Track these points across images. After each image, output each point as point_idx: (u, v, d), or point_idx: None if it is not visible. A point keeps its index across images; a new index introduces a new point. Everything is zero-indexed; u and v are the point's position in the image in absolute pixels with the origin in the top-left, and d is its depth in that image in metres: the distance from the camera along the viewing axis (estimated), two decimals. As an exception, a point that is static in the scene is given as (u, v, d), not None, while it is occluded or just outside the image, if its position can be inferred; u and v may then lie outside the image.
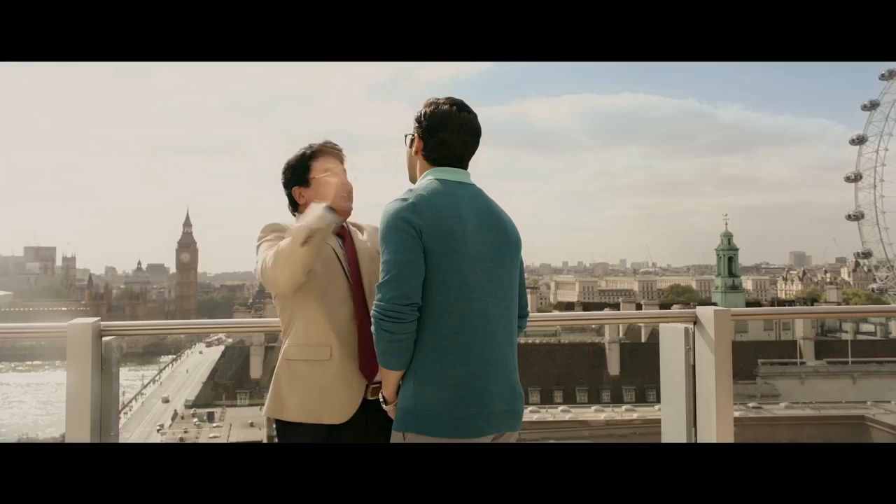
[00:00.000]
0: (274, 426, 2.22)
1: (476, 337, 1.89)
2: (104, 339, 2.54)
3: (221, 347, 57.60)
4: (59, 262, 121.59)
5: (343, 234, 2.26)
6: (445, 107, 2.03)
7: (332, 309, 2.15)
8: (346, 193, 2.22)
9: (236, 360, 50.67)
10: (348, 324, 2.16)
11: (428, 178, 2.00)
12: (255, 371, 47.58)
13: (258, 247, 2.18)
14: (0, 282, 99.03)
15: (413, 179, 2.10)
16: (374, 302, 1.88)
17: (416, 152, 2.05)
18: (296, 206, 2.30)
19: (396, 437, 1.91)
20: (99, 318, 2.61)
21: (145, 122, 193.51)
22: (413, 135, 2.06)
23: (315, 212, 2.06)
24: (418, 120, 2.04)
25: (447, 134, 2.01)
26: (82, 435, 2.45)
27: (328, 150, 2.31)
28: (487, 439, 1.89)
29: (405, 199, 1.91)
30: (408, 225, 1.86)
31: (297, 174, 2.27)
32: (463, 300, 1.88)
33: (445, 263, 1.87)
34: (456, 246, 1.88)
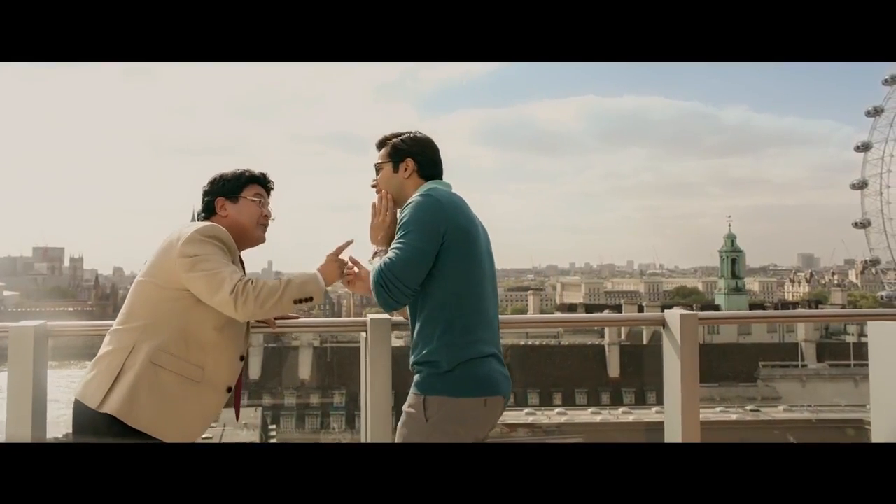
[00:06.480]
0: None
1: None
2: (50, 340, 2.61)
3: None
4: (66, 263, 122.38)
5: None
6: (419, 134, 2.31)
7: (227, 338, 2.18)
8: (265, 223, 2.35)
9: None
10: (233, 360, 2.22)
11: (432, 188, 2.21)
12: (254, 371, 47.74)
13: (203, 251, 2.09)
14: (8, 282, 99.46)
15: (402, 201, 2.24)
16: None
17: (410, 173, 2.26)
18: (209, 215, 2.31)
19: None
20: (45, 320, 2.67)
21: (151, 123, 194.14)
22: (392, 161, 2.28)
23: (319, 283, 2.19)
24: (400, 146, 2.28)
25: (434, 153, 2.30)
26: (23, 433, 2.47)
27: (264, 181, 2.37)
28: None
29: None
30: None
31: (229, 188, 2.31)
32: None
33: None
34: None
